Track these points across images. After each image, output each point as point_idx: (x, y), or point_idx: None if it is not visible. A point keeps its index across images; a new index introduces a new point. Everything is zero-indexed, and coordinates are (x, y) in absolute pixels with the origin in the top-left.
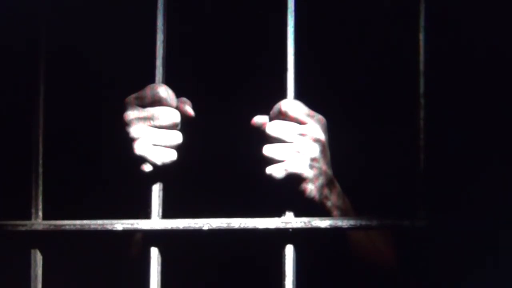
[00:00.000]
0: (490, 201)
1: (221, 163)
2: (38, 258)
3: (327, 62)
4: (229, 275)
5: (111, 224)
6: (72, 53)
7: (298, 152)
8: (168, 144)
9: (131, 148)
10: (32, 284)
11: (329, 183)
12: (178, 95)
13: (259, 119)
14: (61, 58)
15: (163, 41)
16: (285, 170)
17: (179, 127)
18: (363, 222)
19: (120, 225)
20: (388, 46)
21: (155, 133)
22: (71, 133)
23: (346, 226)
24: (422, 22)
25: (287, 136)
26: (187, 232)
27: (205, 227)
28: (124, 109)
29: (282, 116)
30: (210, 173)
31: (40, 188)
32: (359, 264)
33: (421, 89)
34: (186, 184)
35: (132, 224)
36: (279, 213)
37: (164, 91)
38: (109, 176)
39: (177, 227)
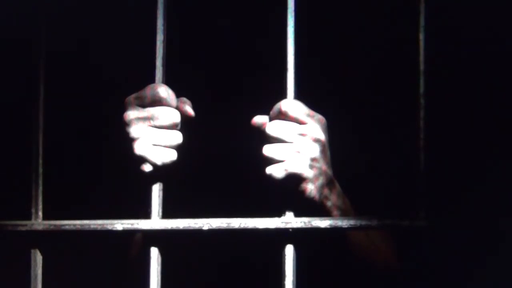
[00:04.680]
0: (490, 201)
1: (221, 163)
2: (38, 258)
3: (327, 62)
4: (229, 275)
5: (111, 224)
6: (72, 53)
7: (298, 152)
8: (168, 144)
9: (131, 148)
10: (32, 284)
11: (329, 183)
12: (178, 95)
13: (259, 119)
14: (61, 58)
15: (163, 41)
16: (285, 170)
17: (179, 127)
18: (363, 222)
19: (120, 225)
20: (388, 46)
21: (155, 133)
22: (71, 133)
23: (346, 226)
24: (422, 22)
25: (287, 136)
26: (187, 232)
27: (205, 227)
28: (124, 109)
29: (282, 116)
30: (210, 173)
31: (40, 188)
32: (359, 264)
33: (421, 89)
34: (186, 184)
35: (132, 224)
36: (279, 213)
37: (164, 91)
38: (109, 176)
39: (177, 227)
